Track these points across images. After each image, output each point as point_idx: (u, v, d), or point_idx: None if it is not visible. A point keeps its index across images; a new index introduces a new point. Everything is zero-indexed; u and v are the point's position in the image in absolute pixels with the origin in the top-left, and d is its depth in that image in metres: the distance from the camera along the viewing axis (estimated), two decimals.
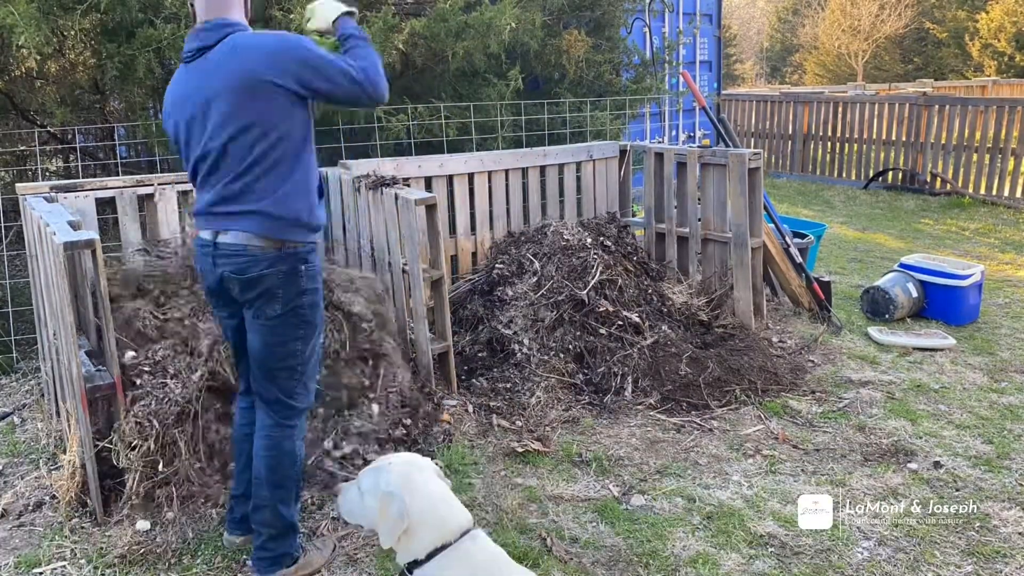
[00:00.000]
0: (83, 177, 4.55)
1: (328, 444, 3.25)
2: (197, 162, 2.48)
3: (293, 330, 2.50)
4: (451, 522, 1.99)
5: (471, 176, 4.81)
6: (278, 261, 2.43)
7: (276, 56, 2.40)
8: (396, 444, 3.36)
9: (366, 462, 2.97)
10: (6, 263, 4.45)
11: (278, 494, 2.57)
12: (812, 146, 11.21)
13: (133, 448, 2.91)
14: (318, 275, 2.57)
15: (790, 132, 11.31)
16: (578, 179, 5.28)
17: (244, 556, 2.79)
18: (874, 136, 10.47)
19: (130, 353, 3.11)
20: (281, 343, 2.50)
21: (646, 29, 8.25)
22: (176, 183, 4.16)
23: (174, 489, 2.96)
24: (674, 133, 8.71)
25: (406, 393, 3.56)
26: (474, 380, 4.04)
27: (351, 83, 2.47)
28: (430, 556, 1.94)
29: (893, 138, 10.25)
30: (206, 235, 2.48)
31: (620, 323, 4.28)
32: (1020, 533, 2.94)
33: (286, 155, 2.47)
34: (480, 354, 4.17)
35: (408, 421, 3.48)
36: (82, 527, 2.92)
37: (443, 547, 1.94)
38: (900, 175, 10.20)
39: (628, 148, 5.48)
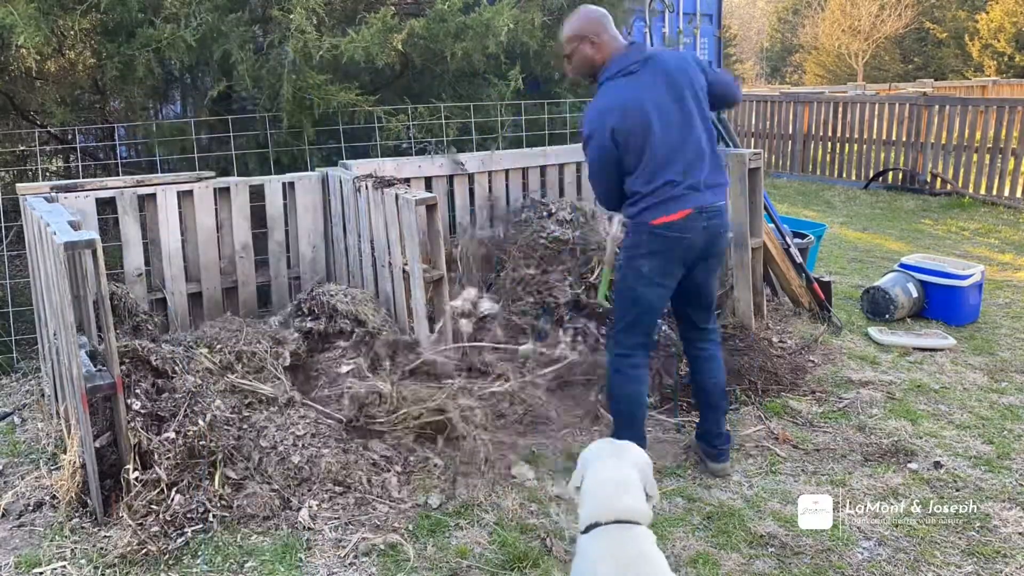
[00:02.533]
0: (83, 177, 4.55)
1: None
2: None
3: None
4: (610, 506, 2.07)
5: (471, 176, 4.81)
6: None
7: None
8: None
9: None
10: (6, 263, 4.45)
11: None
12: (812, 146, 11.22)
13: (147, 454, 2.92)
14: None
15: (790, 132, 11.32)
16: (578, 179, 5.27)
17: (245, 557, 2.79)
18: (874, 136, 10.47)
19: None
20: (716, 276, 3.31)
21: (646, 29, 8.24)
22: (176, 183, 4.17)
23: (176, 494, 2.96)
24: None
25: None
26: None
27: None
28: (587, 529, 2.06)
29: (893, 138, 10.25)
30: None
31: None
32: (1020, 533, 2.94)
33: None
34: None
35: None
36: (82, 527, 2.92)
37: (594, 525, 2.04)
38: (900, 175, 10.21)
39: None
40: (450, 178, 4.79)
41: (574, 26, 3.21)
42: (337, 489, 3.12)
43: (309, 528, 2.94)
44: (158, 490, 2.96)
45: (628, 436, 2.81)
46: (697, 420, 3.49)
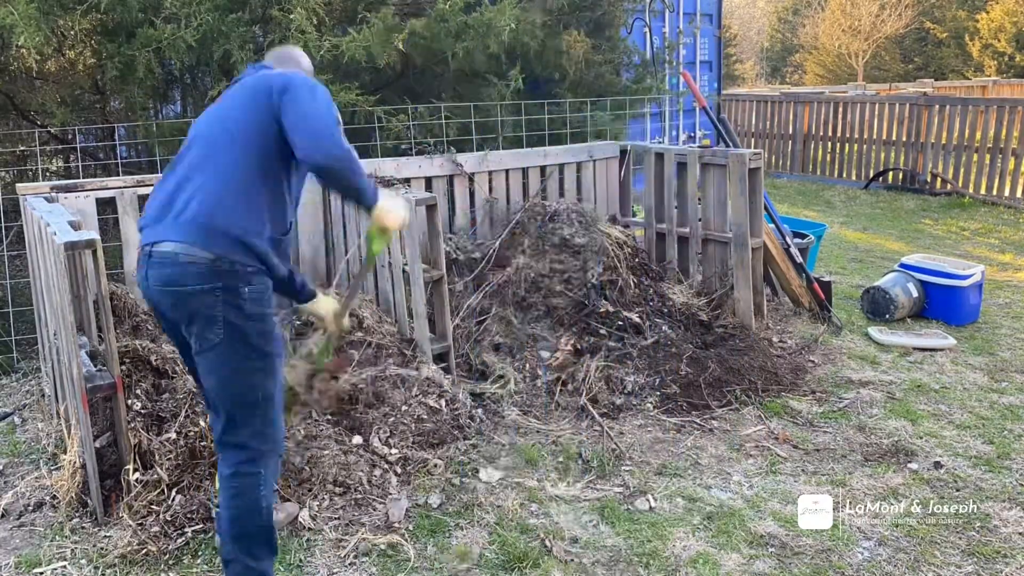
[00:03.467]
0: (83, 177, 4.55)
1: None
2: None
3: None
4: None
5: (471, 176, 4.81)
6: None
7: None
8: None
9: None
10: (6, 263, 4.45)
11: (246, 547, 2.36)
12: (812, 146, 11.21)
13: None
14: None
15: (790, 132, 11.31)
16: (578, 179, 5.27)
17: None
18: (874, 136, 10.47)
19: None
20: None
21: (646, 29, 8.25)
22: None
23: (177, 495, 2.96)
24: (674, 133, 8.71)
25: None
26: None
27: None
28: None
29: (893, 138, 10.25)
30: None
31: (620, 323, 4.28)
32: (1020, 533, 2.94)
33: None
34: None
35: None
36: (82, 527, 2.92)
37: None
38: (900, 175, 10.20)
39: (628, 148, 5.47)
40: (450, 178, 4.78)
41: None
42: (337, 490, 3.12)
43: (309, 528, 2.94)
44: (158, 490, 2.96)
45: None
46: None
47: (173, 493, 2.96)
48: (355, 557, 2.81)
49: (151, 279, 2.31)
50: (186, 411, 3.10)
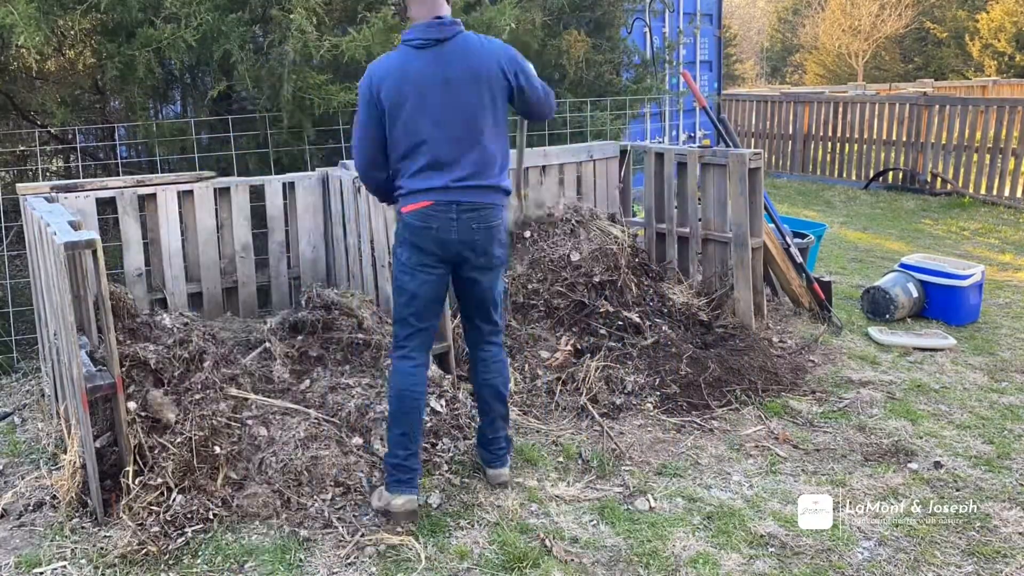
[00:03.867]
0: (83, 177, 4.55)
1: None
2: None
3: None
4: None
5: None
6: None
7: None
8: None
9: None
10: (6, 263, 4.45)
11: (506, 403, 3.27)
12: (812, 146, 11.22)
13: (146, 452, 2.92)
14: None
15: (790, 132, 11.32)
16: (578, 179, 5.27)
17: (245, 556, 2.79)
18: (874, 136, 10.47)
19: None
20: None
21: (646, 29, 8.25)
22: (176, 183, 4.17)
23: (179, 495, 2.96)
24: (674, 133, 8.72)
25: None
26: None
27: (546, 95, 3.14)
28: None
29: (893, 138, 10.25)
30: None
31: (620, 323, 4.28)
32: (1020, 533, 2.94)
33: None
34: None
35: None
36: (82, 527, 2.92)
37: None
38: (900, 175, 10.21)
39: (628, 148, 5.47)
40: None
41: None
42: (338, 490, 3.12)
43: (309, 528, 2.94)
44: (158, 490, 2.96)
45: (396, 433, 2.96)
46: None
47: (173, 493, 2.96)
48: (355, 557, 2.81)
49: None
50: (186, 411, 3.10)
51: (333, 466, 3.17)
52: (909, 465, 3.41)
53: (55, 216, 3.16)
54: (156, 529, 2.84)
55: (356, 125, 3.04)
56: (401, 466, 2.95)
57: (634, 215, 5.59)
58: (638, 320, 4.32)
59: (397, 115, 2.91)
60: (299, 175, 4.55)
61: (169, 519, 2.88)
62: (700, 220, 4.92)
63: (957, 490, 3.22)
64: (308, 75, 4.66)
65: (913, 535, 2.93)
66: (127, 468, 2.94)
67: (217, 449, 3.08)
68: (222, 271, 4.34)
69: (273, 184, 4.43)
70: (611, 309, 4.29)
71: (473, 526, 2.97)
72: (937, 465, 3.40)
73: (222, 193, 4.29)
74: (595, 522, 3.01)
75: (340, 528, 2.94)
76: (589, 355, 4.16)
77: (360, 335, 3.80)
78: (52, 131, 5.16)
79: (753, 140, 11.72)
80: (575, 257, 4.43)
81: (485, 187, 2.96)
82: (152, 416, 3.08)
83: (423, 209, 2.91)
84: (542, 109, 3.15)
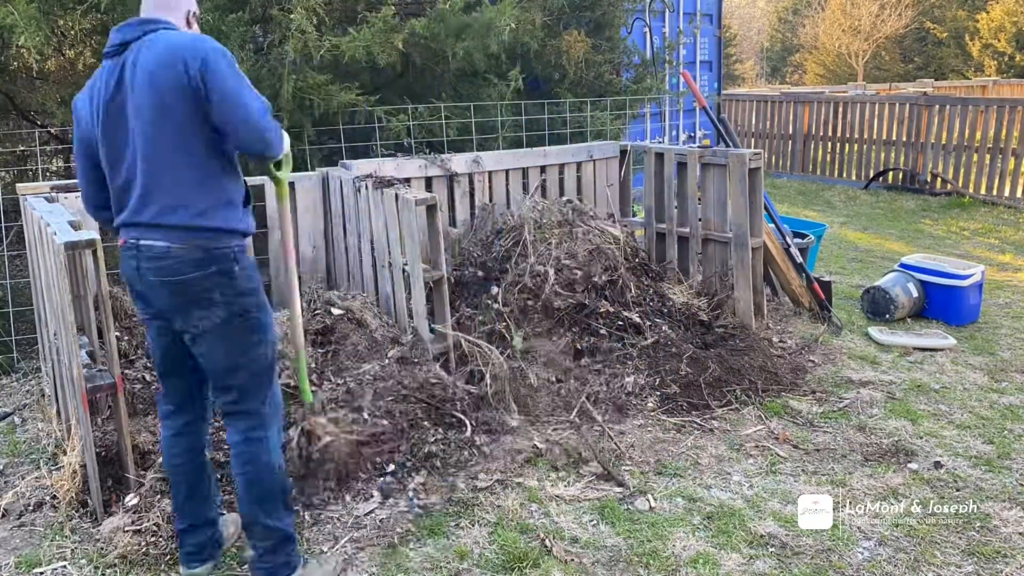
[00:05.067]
0: None
1: None
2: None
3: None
4: None
5: (471, 176, 4.81)
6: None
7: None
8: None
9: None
10: (6, 263, 4.45)
11: (265, 508, 2.51)
12: (812, 146, 11.21)
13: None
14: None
15: (790, 132, 11.31)
16: (578, 179, 5.28)
17: (245, 556, 2.79)
18: (874, 136, 10.47)
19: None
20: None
21: (646, 29, 8.25)
22: None
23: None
24: (674, 133, 8.71)
25: None
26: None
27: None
28: None
29: (893, 138, 10.25)
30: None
31: (620, 323, 4.28)
32: (1021, 533, 2.94)
33: None
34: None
35: None
36: (82, 527, 2.92)
37: None
38: (900, 175, 10.20)
39: (628, 148, 5.47)
40: (449, 178, 4.78)
41: None
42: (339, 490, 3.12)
43: (309, 527, 2.94)
44: (159, 491, 2.96)
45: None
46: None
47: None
48: (355, 557, 2.81)
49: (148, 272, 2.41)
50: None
51: (336, 466, 3.17)
52: (909, 465, 3.41)
53: (55, 216, 3.16)
54: (156, 529, 2.84)
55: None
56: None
57: (634, 215, 5.59)
58: (638, 320, 4.32)
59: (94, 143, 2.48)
60: (299, 175, 4.55)
61: (169, 519, 2.88)
62: (700, 220, 4.92)
63: (957, 490, 3.22)
64: (308, 75, 4.67)
65: (913, 535, 2.93)
66: (127, 467, 2.94)
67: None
68: None
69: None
70: (611, 309, 4.29)
71: (473, 526, 2.97)
72: (937, 465, 3.40)
73: None
74: (595, 522, 3.01)
75: (340, 528, 2.94)
76: (589, 355, 4.16)
77: (359, 336, 3.80)
78: (52, 131, 5.16)
79: (753, 140, 11.71)
80: (574, 258, 4.43)
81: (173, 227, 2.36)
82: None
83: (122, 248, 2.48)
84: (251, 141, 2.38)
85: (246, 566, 2.74)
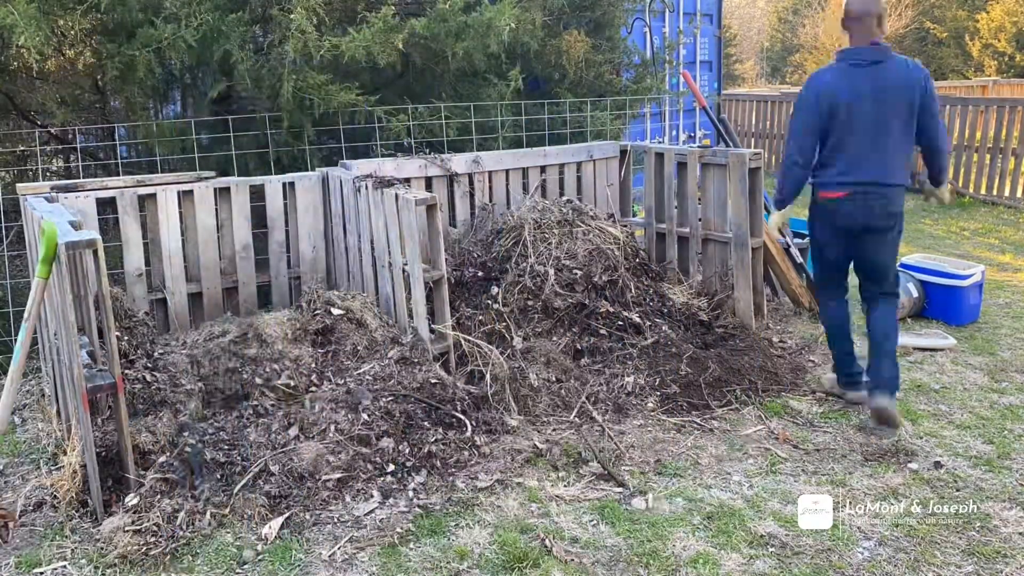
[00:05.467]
0: (84, 177, 4.55)
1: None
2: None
3: None
4: None
5: (471, 176, 4.81)
6: None
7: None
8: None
9: None
10: (6, 263, 4.44)
11: (894, 344, 3.76)
12: None
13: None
14: None
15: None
16: (578, 179, 5.28)
17: (244, 557, 2.79)
18: None
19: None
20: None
21: (646, 29, 8.25)
22: (176, 183, 4.17)
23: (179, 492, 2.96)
24: (674, 133, 8.71)
25: None
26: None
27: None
28: None
29: None
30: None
31: (620, 323, 4.28)
32: (1021, 533, 2.94)
33: None
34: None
35: None
36: (83, 527, 2.92)
37: None
38: None
39: (628, 148, 5.47)
40: (449, 179, 4.78)
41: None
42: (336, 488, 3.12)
43: (309, 528, 2.94)
44: (159, 491, 2.96)
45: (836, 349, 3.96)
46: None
47: (174, 493, 2.96)
48: (355, 557, 2.81)
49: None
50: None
51: (334, 467, 3.18)
52: (909, 465, 3.41)
53: (56, 216, 3.16)
54: (156, 529, 2.84)
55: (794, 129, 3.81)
56: (849, 373, 3.94)
57: (634, 215, 5.59)
58: (638, 320, 4.32)
59: (831, 123, 3.69)
60: (299, 175, 4.55)
61: (169, 519, 2.88)
62: (700, 220, 4.92)
63: (957, 490, 3.22)
64: (308, 75, 4.67)
65: (913, 535, 2.93)
66: (128, 467, 2.94)
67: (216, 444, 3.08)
68: (222, 271, 4.34)
69: (273, 184, 4.43)
70: (611, 309, 4.29)
71: (473, 526, 2.97)
72: (937, 465, 3.40)
73: (222, 193, 4.29)
74: (595, 522, 3.01)
75: (340, 528, 2.94)
76: (589, 355, 4.16)
77: (358, 337, 3.80)
78: (52, 131, 5.16)
79: (753, 140, 11.70)
80: (574, 259, 4.42)
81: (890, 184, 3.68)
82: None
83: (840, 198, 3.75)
84: (935, 143, 3.82)
85: (246, 566, 2.75)
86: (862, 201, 3.63)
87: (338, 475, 3.15)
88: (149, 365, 3.53)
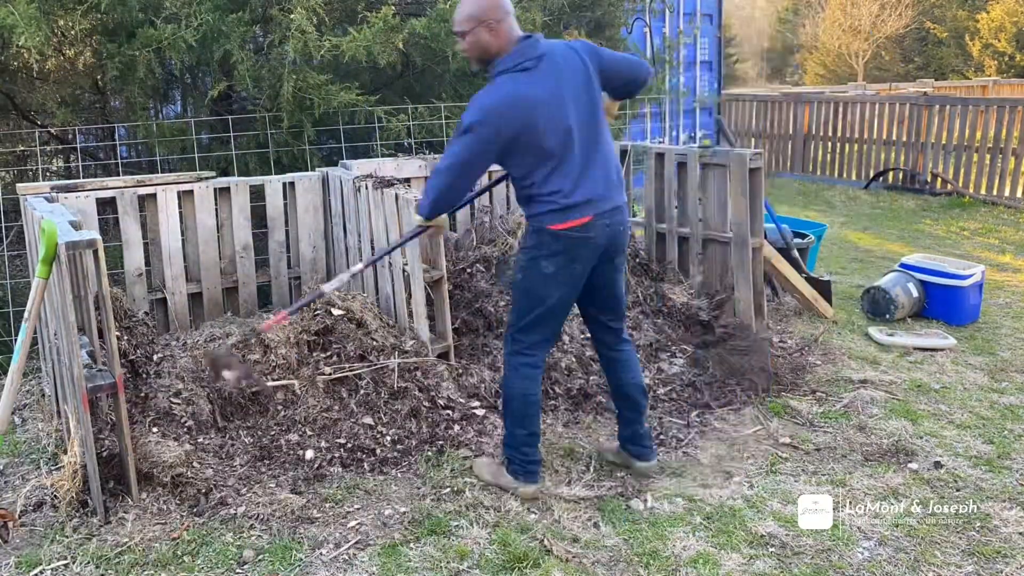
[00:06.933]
0: (84, 177, 4.55)
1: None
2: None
3: None
4: None
5: None
6: None
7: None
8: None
9: None
10: (6, 263, 4.45)
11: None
12: (812, 146, 11.21)
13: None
14: None
15: (790, 132, 11.31)
16: None
17: (245, 557, 2.79)
18: (875, 136, 10.46)
19: None
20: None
21: (646, 29, 8.26)
22: (176, 183, 4.17)
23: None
24: (674, 133, 8.71)
25: None
26: None
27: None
28: None
29: (894, 138, 10.24)
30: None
31: None
32: (1021, 533, 2.94)
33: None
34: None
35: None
36: (83, 527, 2.92)
37: None
38: (901, 175, 10.20)
39: (628, 148, 5.47)
40: None
41: (470, 7, 2.90)
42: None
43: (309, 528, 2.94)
44: (159, 491, 2.96)
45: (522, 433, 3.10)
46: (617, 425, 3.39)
47: (174, 493, 2.96)
48: (355, 556, 2.81)
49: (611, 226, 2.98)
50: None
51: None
52: (909, 465, 3.41)
53: (56, 216, 3.16)
54: (156, 529, 2.84)
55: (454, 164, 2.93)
56: (531, 460, 3.12)
57: (634, 215, 5.59)
58: (639, 320, 4.31)
59: (520, 145, 2.88)
60: (299, 175, 4.55)
61: (169, 519, 2.88)
62: (700, 220, 4.92)
63: (957, 490, 3.22)
64: (308, 75, 4.67)
65: (913, 535, 2.93)
66: (128, 467, 2.94)
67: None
68: (222, 271, 4.34)
69: (273, 184, 4.43)
70: None
71: (473, 526, 2.97)
72: (937, 465, 3.40)
73: (222, 193, 4.29)
74: (595, 522, 3.01)
75: (340, 528, 2.94)
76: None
77: (358, 339, 3.79)
78: (52, 131, 5.16)
79: (753, 140, 11.70)
80: None
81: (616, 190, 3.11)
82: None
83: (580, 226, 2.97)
84: (636, 73, 3.11)
85: (246, 566, 2.75)
86: None
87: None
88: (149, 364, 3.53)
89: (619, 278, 3.16)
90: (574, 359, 4.05)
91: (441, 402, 3.61)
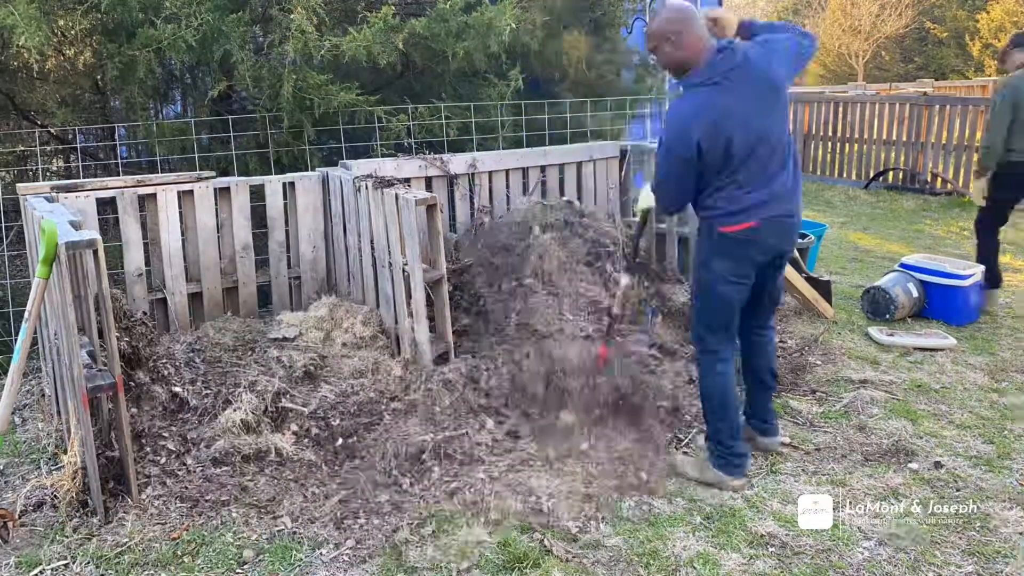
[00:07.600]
0: (84, 177, 4.55)
1: None
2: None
3: None
4: None
5: (471, 177, 4.81)
6: None
7: None
8: None
9: None
10: (6, 263, 4.45)
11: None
12: (812, 146, 11.21)
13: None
14: None
15: (790, 132, 11.30)
16: (578, 179, 5.27)
17: (245, 557, 2.79)
18: (875, 136, 10.47)
19: None
20: None
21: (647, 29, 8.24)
22: (176, 183, 4.17)
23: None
24: None
25: None
26: None
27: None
28: None
29: (894, 138, 10.25)
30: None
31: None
32: (1021, 533, 2.94)
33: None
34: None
35: None
36: (83, 527, 2.92)
37: None
38: (901, 175, 10.20)
39: (628, 148, 5.47)
40: (449, 179, 4.78)
41: (654, 25, 3.13)
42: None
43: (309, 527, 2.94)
44: (159, 491, 2.96)
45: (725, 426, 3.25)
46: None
47: (174, 493, 2.96)
48: (355, 557, 2.81)
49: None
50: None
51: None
52: (909, 465, 3.41)
53: (56, 216, 3.16)
54: (156, 529, 2.84)
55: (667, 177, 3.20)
56: (736, 453, 3.24)
57: (634, 215, 5.59)
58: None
59: (713, 156, 3.05)
60: (299, 175, 4.55)
61: (169, 519, 2.88)
62: None
63: (957, 490, 3.22)
64: (308, 75, 4.67)
65: (913, 535, 2.93)
66: (128, 467, 2.94)
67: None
68: (222, 271, 4.34)
69: (273, 184, 4.43)
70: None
71: (473, 526, 2.97)
72: (937, 465, 3.40)
73: (222, 193, 4.29)
74: (595, 522, 3.01)
75: (340, 528, 2.94)
76: None
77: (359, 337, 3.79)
78: (52, 131, 5.17)
79: None
80: (575, 259, 4.42)
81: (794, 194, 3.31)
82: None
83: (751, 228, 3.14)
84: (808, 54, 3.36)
85: (246, 566, 2.75)
86: None
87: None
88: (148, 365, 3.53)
89: (782, 273, 3.44)
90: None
91: None
